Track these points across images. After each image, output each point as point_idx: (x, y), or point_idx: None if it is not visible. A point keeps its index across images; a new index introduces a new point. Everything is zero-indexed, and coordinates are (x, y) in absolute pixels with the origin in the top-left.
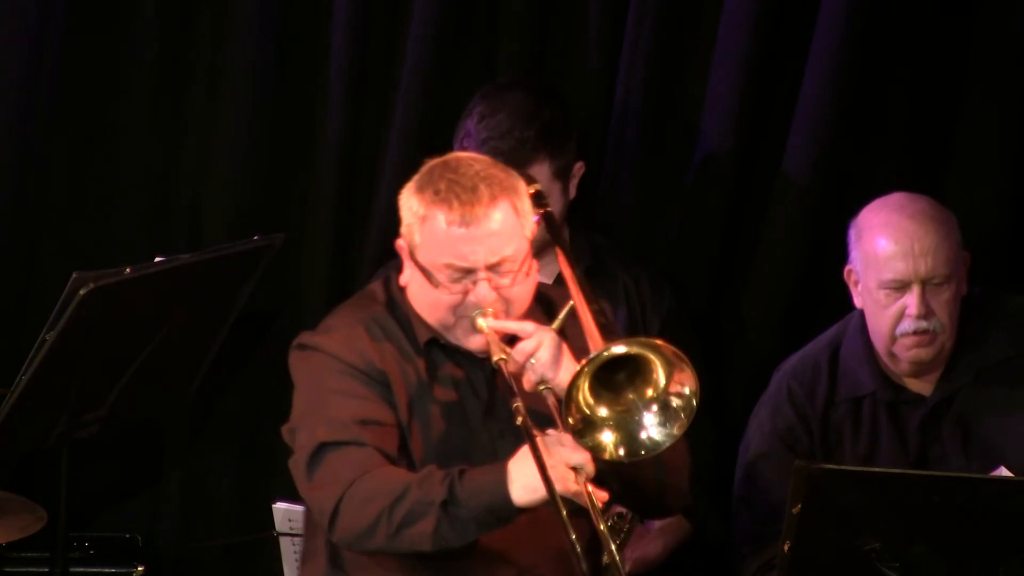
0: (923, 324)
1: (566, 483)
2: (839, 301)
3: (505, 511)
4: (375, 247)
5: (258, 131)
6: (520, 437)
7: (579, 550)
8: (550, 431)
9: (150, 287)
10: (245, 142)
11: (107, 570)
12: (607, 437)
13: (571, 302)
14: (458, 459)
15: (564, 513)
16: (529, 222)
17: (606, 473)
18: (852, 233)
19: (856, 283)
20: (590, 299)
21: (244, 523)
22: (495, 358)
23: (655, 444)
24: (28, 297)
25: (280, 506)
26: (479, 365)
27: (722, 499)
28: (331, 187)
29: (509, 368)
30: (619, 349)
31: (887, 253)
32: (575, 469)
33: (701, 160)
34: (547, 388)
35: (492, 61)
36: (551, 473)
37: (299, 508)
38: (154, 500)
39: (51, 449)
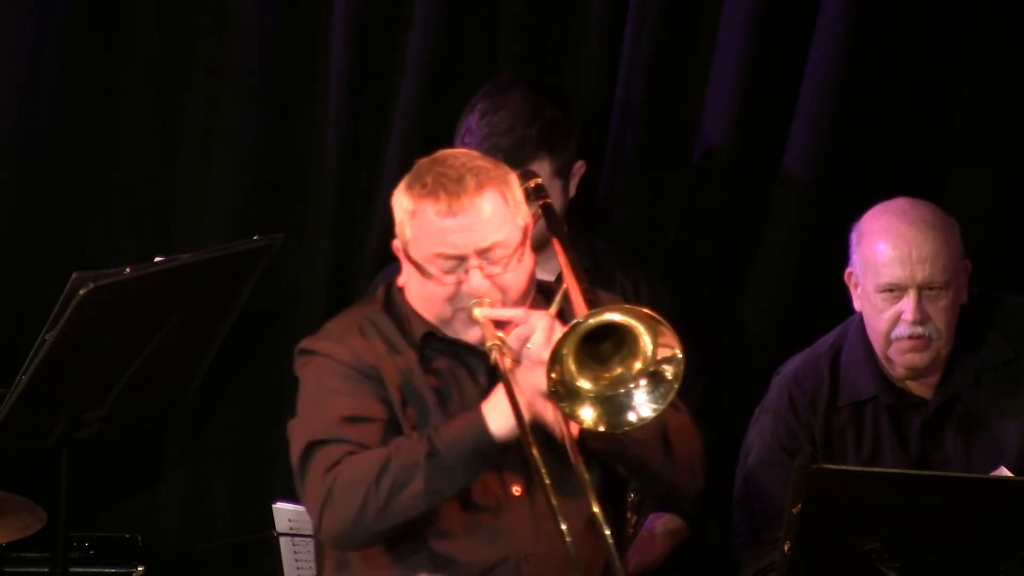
0: (918, 329)
1: (537, 408)
2: (838, 303)
3: (488, 447)
4: (375, 247)
5: (258, 131)
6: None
7: (554, 502)
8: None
9: (150, 287)
10: (245, 142)
11: (107, 570)
12: (588, 409)
13: (564, 286)
14: None
15: (535, 451)
16: (522, 212)
17: (613, 455)
18: (853, 236)
19: (856, 286)
20: (580, 279)
21: (244, 523)
22: (488, 343)
23: (639, 419)
24: (28, 297)
25: (280, 506)
26: (478, 354)
27: (722, 503)
28: (331, 187)
29: (505, 354)
30: (598, 318)
31: (885, 258)
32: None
33: (701, 160)
34: None
35: (492, 61)
36: (520, 400)
37: (299, 508)
38: (154, 500)
39: (51, 449)
